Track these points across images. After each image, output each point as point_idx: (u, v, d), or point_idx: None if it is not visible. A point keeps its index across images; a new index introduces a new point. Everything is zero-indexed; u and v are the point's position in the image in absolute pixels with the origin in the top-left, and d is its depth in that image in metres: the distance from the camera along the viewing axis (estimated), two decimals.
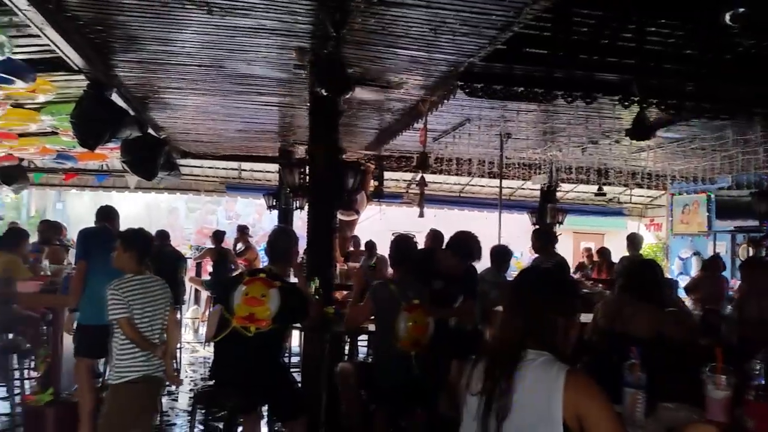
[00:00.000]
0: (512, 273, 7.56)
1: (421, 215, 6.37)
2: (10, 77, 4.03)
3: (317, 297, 4.09)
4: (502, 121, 6.27)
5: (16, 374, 5.11)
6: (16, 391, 5.07)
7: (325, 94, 3.94)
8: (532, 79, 4.43)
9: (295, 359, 6.40)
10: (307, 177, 6.46)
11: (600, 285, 7.13)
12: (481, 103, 5.37)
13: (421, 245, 4.96)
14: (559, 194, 10.57)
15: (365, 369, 4.02)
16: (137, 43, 4.17)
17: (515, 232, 10.60)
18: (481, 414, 1.73)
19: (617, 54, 4.25)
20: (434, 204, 10.84)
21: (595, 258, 9.69)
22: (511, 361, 1.73)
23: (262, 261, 9.17)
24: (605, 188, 9.98)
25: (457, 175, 9.59)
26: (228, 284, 3.63)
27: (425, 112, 5.40)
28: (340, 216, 7.55)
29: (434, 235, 6.44)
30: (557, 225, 9.82)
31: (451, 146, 7.51)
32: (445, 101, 5.02)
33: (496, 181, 8.18)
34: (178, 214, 19.17)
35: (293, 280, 3.99)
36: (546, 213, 9.89)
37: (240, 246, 9.77)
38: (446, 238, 5.89)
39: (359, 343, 6.31)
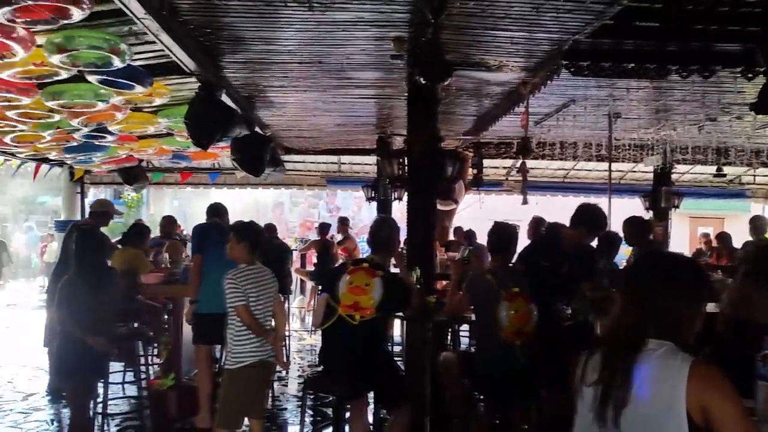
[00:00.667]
0: (621, 261, 7.21)
1: (525, 202, 6.19)
2: (130, 83, 4.35)
3: (419, 286, 4.10)
4: (611, 100, 5.96)
5: (142, 360, 5.50)
6: (142, 376, 5.47)
7: (423, 82, 3.92)
8: (643, 54, 4.17)
9: (397, 348, 6.48)
10: (405, 167, 6.50)
11: (720, 272, 6.63)
12: (588, 82, 5.13)
13: (523, 234, 4.81)
14: (674, 176, 9.88)
15: (468, 358, 3.98)
16: (243, 44, 4.35)
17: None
18: (597, 405, 1.65)
19: (739, 22, 3.90)
20: (537, 191, 10.54)
21: (714, 244, 9.03)
22: (629, 350, 1.64)
23: (362, 252, 9.36)
24: (725, 169, 9.22)
25: (560, 159, 9.24)
26: (332, 274, 3.73)
27: (527, 94, 5.24)
28: (438, 206, 7.52)
29: (537, 223, 6.24)
30: (673, 209, 9.23)
31: (555, 129, 7.25)
32: (549, 82, 4.84)
33: (604, 165, 7.81)
34: (283, 208, 19.96)
35: (395, 270, 4.03)
36: (660, 197, 9.33)
37: (339, 236, 10.03)
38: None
39: (461, 333, 6.27)
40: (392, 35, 4.12)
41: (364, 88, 5.72)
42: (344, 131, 8.15)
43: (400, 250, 4.22)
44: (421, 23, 3.73)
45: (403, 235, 4.37)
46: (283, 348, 5.66)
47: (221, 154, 8.38)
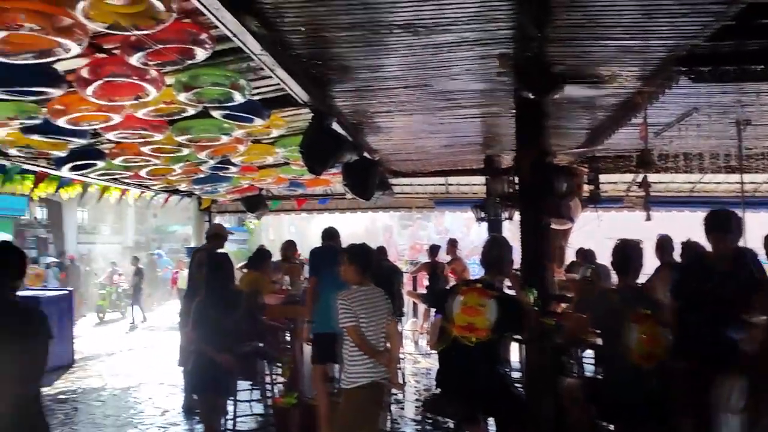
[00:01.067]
0: None
1: (648, 219, 5.84)
2: (250, 116, 4.64)
3: (535, 308, 3.97)
4: (738, 106, 5.50)
5: (267, 379, 5.74)
6: (268, 394, 5.70)
7: (531, 96, 3.84)
8: None
9: (518, 375, 6.28)
10: (515, 185, 6.35)
11: None
12: (710, 88, 4.78)
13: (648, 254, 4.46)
14: None
15: (593, 384, 3.77)
16: (351, 73, 4.50)
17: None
18: None
19: None
20: (660, 206, 9.87)
21: None
22: None
23: (473, 274, 9.22)
24: None
25: (685, 172, 8.63)
26: (444, 295, 3.71)
27: (643, 104, 4.97)
28: (552, 224, 7.26)
29: (664, 243, 5.77)
30: None
31: (677, 140, 6.78)
32: (666, 90, 4.56)
33: (735, 177, 7.18)
34: (392, 231, 20.22)
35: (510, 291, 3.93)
36: None
37: (447, 257, 9.98)
38: (677, 245, 5.29)
39: (585, 359, 5.97)
40: (497, 52, 4.08)
41: (470, 108, 5.70)
42: (451, 152, 8.14)
43: (514, 271, 4.13)
44: (525, 38, 3.67)
45: (516, 256, 4.26)
46: (398, 370, 5.69)
47: (333, 180, 8.66)
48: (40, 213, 22.11)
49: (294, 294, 7.08)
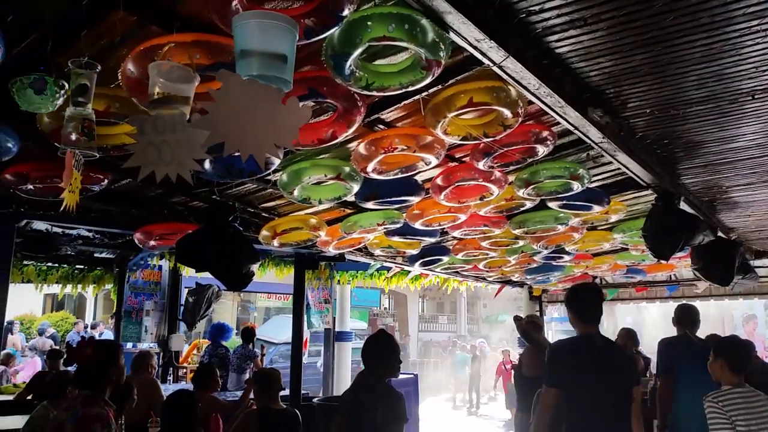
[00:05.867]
0: None
1: None
2: (588, 204, 4.57)
3: None
4: None
5: None
6: None
7: None
8: None
9: None
10: None
11: None
12: None
13: None
14: None
15: None
16: (702, 148, 4.11)
17: None
18: None
19: None
20: None
21: None
22: None
23: None
24: None
25: None
26: None
27: None
28: None
29: None
30: None
31: None
32: None
33: None
34: (756, 322, 17.11)
35: None
36: None
37: None
38: None
39: None
40: None
41: None
42: None
43: None
44: None
45: None
46: None
47: (678, 264, 7.86)
48: (388, 303, 25.14)
49: (642, 392, 6.43)
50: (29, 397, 7.10)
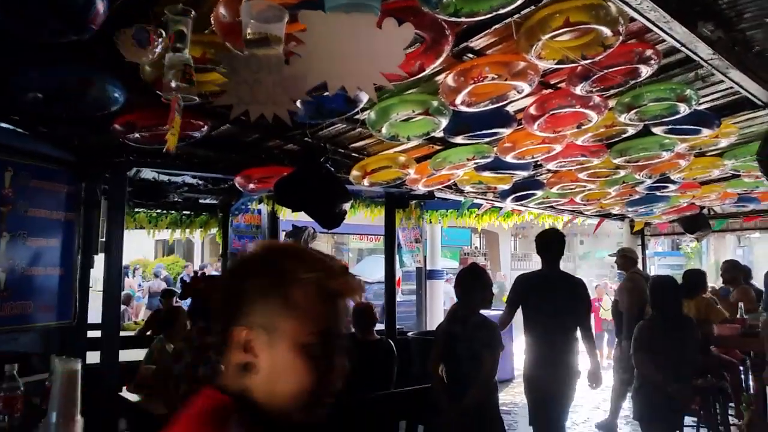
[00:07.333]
0: None
1: None
2: (696, 127, 4.25)
3: None
4: None
5: (718, 419, 5.14)
6: None
7: None
8: None
9: None
10: None
11: None
12: None
13: None
14: None
15: None
16: None
17: None
18: None
19: None
20: None
21: None
22: None
23: None
24: None
25: None
26: None
27: None
28: None
29: None
30: None
31: None
32: None
33: None
34: None
35: None
36: None
37: None
38: None
39: None
40: None
41: None
42: None
43: None
44: None
45: None
46: None
47: None
48: (479, 242, 25.03)
49: (753, 324, 6.11)
50: (148, 333, 7.83)
